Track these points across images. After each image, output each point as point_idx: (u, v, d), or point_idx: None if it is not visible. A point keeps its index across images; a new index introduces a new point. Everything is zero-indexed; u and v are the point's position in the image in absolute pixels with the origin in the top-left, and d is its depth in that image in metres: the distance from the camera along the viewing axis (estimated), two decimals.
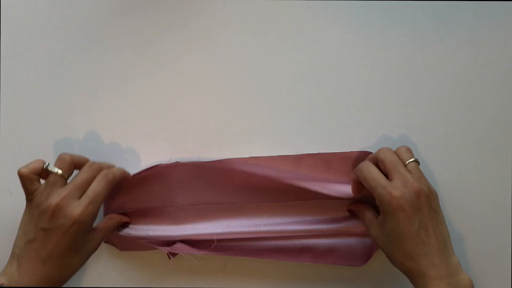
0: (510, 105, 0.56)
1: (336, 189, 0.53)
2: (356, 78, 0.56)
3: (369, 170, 0.49)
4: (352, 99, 0.56)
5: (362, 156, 0.54)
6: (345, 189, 0.53)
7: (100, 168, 0.50)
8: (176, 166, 0.55)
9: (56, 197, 0.47)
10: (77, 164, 0.51)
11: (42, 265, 0.47)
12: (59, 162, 0.50)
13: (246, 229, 0.54)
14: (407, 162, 0.50)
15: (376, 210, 0.50)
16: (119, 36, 0.57)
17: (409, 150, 0.51)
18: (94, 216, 0.48)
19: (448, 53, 0.56)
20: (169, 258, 0.54)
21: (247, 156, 0.56)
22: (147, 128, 0.57)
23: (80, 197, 0.48)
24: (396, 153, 0.51)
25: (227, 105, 0.57)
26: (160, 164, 0.54)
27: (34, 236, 0.47)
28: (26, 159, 0.56)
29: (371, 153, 0.54)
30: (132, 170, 0.56)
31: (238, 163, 0.54)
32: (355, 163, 0.54)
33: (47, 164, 0.49)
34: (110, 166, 0.52)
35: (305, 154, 0.55)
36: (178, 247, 0.53)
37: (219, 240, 0.54)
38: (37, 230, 0.47)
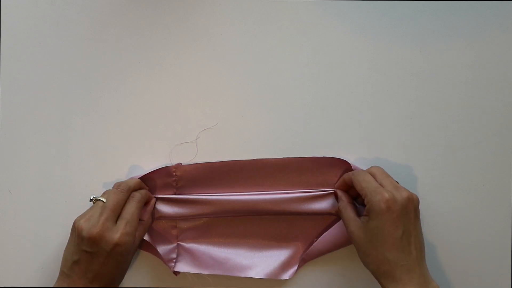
0: (510, 105, 0.56)
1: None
2: (356, 78, 0.56)
3: (364, 174, 0.52)
4: (353, 99, 0.56)
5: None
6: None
7: (127, 187, 0.53)
8: (178, 167, 0.56)
9: (96, 224, 0.50)
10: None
11: (90, 284, 0.50)
12: (106, 193, 0.53)
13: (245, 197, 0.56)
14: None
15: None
16: (119, 36, 0.57)
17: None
18: (133, 237, 0.51)
19: (448, 53, 0.56)
20: (175, 275, 0.56)
21: (248, 157, 0.56)
22: (147, 128, 0.57)
23: (116, 219, 0.51)
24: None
25: (227, 105, 0.57)
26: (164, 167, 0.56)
27: (79, 257, 0.50)
28: (26, 159, 0.56)
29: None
30: (132, 170, 0.56)
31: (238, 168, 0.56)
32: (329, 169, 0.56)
33: (92, 197, 0.53)
34: (135, 184, 0.54)
35: (306, 157, 0.56)
36: (182, 266, 0.55)
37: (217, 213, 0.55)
38: (81, 252, 0.50)
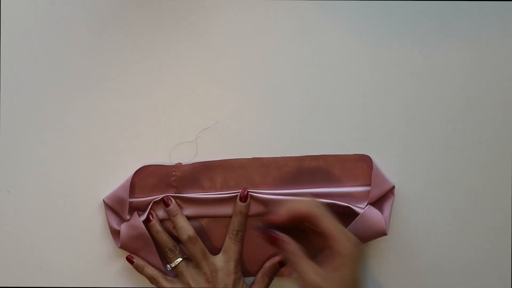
0: (510, 105, 0.56)
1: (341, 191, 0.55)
2: (356, 79, 0.56)
3: (327, 211, 0.46)
4: (352, 99, 0.56)
5: (362, 158, 0.55)
6: (350, 190, 0.55)
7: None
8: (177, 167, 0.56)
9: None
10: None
11: None
12: (173, 255, 0.55)
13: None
14: None
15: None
16: (119, 36, 0.57)
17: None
18: None
19: (448, 53, 0.56)
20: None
21: (247, 156, 0.56)
22: (147, 128, 0.57)
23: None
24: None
25: (227, 105, 0.57)
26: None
27: None
28: (26, 159, 0.56)
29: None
30: (132, 170, 0.56)
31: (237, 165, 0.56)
32: (357, 165, 0.55)
33: (168, 266, 0.56)
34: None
35: (307, 155, 0.56)
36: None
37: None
38: None
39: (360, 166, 0.56)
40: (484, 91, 0.56)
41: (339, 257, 0.43)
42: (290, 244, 0.45)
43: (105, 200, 0.55)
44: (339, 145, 0.56)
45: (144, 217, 0.55)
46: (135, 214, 0.55)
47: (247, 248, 0.56)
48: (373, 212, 0.54)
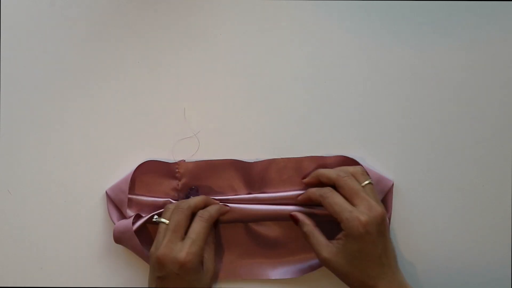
0: (510, 106, 0.56)
1: None
2: (356, 79, 0.56)
3: (334, 196, 0.51)
4: (352, 99, 0.56)
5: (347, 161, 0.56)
6: None
7: (187, 205, 0.52)
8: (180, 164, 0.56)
9: (160, 247, 0.50)
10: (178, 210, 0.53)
11: None
12: (165, 213, 0.52)
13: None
14: (363, 184, 0.51)
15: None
16: (118, 36, 0.57)
17: (364, 172, 0.53)
18: (199, 256, 0.50)
19: (448, 53, 0.56)
20: None
21: (247, 157, 0.56)
22: (147, 128, 0.57)
23: (181, 239, 0.50)
24: (352, 174, 0.52)
25: (226, 105, 0.57)
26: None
27: (155, 285, 0.50)
28: (26, 159, 0.56)
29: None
30: (131, 170, 0.56)
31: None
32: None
33: (155, 218, 0.53)
34: (197, 202, 0.53)
35: (306, 157, 0.56)
36: None
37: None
38: (155, 278, 0.50)
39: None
40: (484, 91, 0.56)
41: (347, 236, 0.49)
42: (307, 223, 0.52)
43: (108, 192, 0.56)
44: (338, 145, 0.56)
45: (145, 219, 0.55)
46: (131, 219, 0.54)
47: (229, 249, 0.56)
48: None
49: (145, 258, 0.55)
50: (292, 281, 0.56)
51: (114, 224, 0.55)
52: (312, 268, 0.55)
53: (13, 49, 0.57)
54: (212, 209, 0.53)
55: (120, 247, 0.56)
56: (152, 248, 0.51)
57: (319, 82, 0.57)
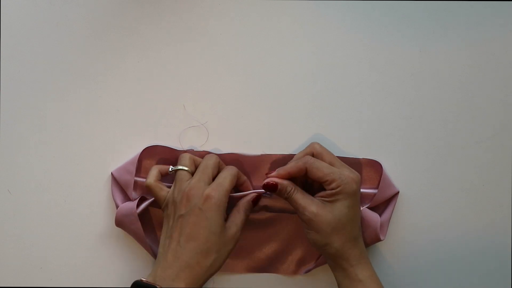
0: (510, 105, 0.56)
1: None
2: (356, 78, 0.56)
3: (318, 161, 0.51)
4: (352, 99, 0.56)
5: (370, 163, 0.56)
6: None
7: (216, 155, 0.54)
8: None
9: (188, 185, 0.50)
10: (195, 160, 0.54)
11: (181, 253, 0.49)
12: (182, 161, 0.53)
13: None
14: None
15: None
16: (118, 36, 0.57)
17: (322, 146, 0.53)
18: (224, 197, 0.50)
19: (448, 53, 0.56)
20: None
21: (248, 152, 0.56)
22: (147, 128, 0.57)
23: (209, 183, 0.51)
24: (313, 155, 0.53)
25: (227, 105, 0.57)
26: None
27: (173, 229, 0.50)
28: (26, 159, 0.56)
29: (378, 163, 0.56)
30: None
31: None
32: (365, 169, 0.56)
33: (171, 168, 0.53)
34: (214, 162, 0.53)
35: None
36: None
37: None
38: (175, 221, 0.50)
39: (368, 170, 0.56)
40: (484, 91, 0.56)
41: (339, 194, 0.49)
42: (286, 184, 0.51)
43: (114, 173, 0.55)
44: (338, 145, 0.56)
45: (150, 201, 0.54)
46: (135, 202, 0.54)
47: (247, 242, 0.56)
48: (371, 214, 0.54)
49: (144, 243, 0.54)
50: (292, 280, 0.56)
51: (117, 207, 0.55)
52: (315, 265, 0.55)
53: (13, 49, 0.57)
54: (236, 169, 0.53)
55: (120, 247, 0.56)
56: (174, 194, 0.51)
57: (319, 81, 0.57)
